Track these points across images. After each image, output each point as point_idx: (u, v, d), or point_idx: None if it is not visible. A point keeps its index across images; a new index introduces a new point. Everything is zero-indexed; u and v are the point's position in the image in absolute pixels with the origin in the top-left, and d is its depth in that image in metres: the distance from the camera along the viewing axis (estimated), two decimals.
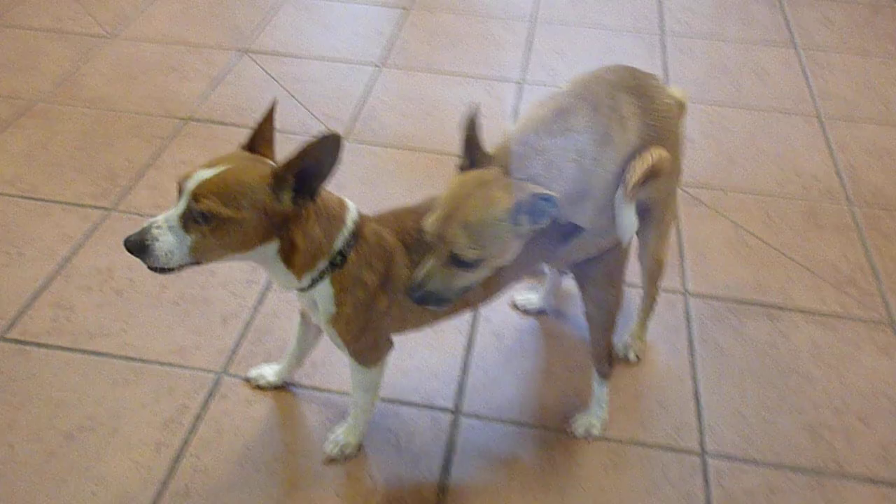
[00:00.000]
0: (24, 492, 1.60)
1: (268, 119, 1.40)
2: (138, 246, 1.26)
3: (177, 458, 1.68)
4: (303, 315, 1.73)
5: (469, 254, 1.34)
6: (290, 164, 1.29)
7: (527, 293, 2.09)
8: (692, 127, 2.79)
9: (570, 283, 2.13)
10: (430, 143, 2.64)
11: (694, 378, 1.93)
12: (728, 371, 1.95)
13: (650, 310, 1.98)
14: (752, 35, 3.38)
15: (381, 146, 2.63)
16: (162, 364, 1.87)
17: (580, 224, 1.54)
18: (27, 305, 2.00)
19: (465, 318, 2.04)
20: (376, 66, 3.03)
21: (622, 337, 1.98)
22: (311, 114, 2.75)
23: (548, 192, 1.33)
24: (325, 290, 1.42)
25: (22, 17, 3.22)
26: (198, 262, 1.31)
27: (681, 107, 1.75)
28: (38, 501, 1.59)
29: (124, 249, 2.15)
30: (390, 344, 1.58)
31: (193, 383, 1.83)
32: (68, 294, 2.04)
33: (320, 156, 1.29)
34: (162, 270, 1.29)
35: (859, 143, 2.76)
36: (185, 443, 1.71)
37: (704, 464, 1.74)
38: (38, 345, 1.90)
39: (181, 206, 1.27)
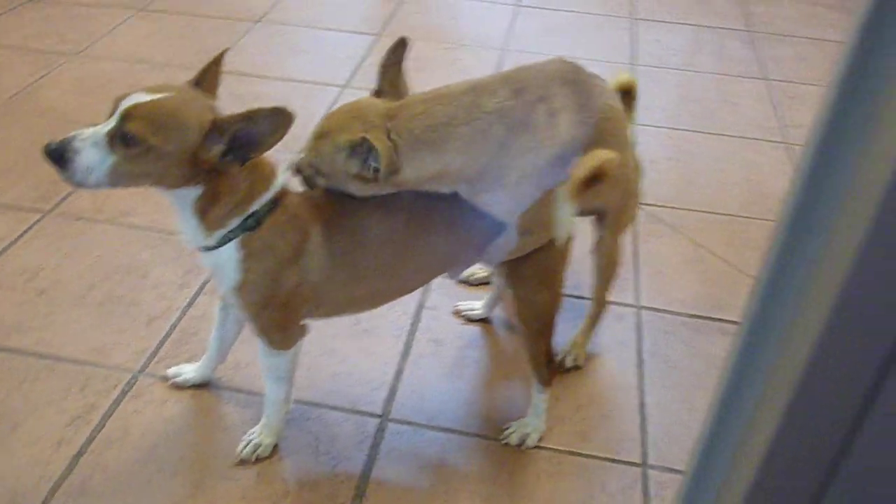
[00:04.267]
0: None
1: (217, 62, 1.37)
2: (58, 155, 1.20)
3: (77, 456, 1.57)
4: (222, 299, 1.64)
5: (312, 161, 1.38)
6: (233, 120, 1.24)
7: (471, 301, 2.00)
8: (656, 150, 2.73)
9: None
10: None
11: (640, 390, 1.83)
12: (677, 384, 1.85)
13: (596, 318, 1.88)
14: (725, 68, 3.35)
15: None
16: (76, 363, 1.77)
17: (496, 215, 1.46)
18: None
19: (403, 324, 1.95)
20: (340, 87, 2.99)
21: (562, 342, 1.87)
22: None
23: (376, 144, 1.30)
24: (231, 252, 1.34)
25: None
26: (115, 186, 1.25)
27: (629, 94, 1.70)
28: None
29: (46, 251, 2.08)
30: (302, 330, 1.49)
31: (107, 382, 1.73)
32: None
33: (266, 126, 1.23)
34: (79, 186, 1.24)
35: None
36: (89, 441, 1.60)
37: (645, 476, 1.63)
38: None
39: (111, 124, 1.21)
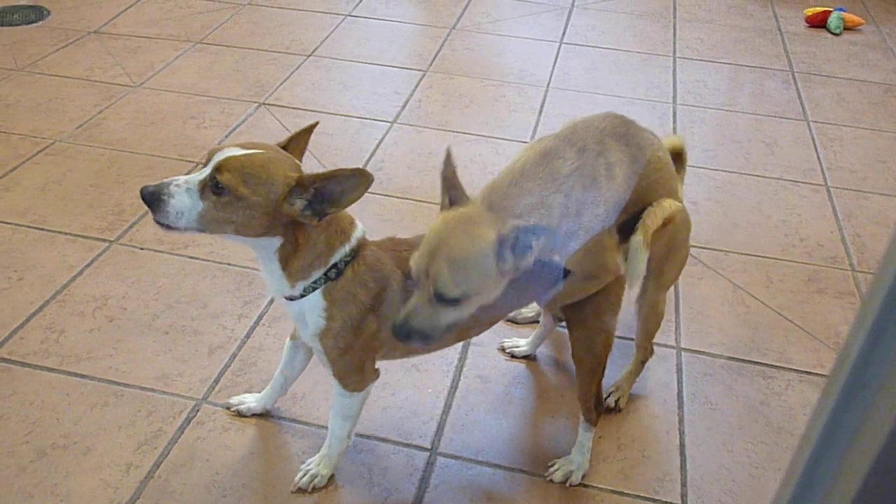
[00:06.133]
0: None
1: (307, 131, 1.48)
2: (153, 197, 1.30)
3: (145, 480, 1.66)
4: (292, 338, 1.73)
5: (452, 291, 1.31)
6: (316, 178, 1.34)
7: (515, 338, 2.07)
8: (697, 191, 2.79)
9: (560, 331, 2.11)
10: (433, 196, 2.67)
11: (681, 431, 1.88)
12: (716, 426, 1.90)
13: (641, 366, 1.94)
14: (765, 109, 3.40)
15: (385, 195, 2.66)
16: (143, 389, 1.87)
17: (567, 266, 1.53)
18: (19, 327, 2.02)
19: (451, 360, 2.02)
20: (388, 122, 3.10)
21: (607, 384, 1.94)
22: (321, 163, 2.81)
23: (531, 223, 1.33)
24: (316, 301, 1.44)
25: (54, 65, 3.35)
26: (202, 231, 1.35)
27: (679, 156, 1.75)
28: None
29: (113, 280, 2.19)
30: (376, 373, 1.58)
31: (172, 409, 1.83)
32: (61, 318, 2.06)
33: (346, 186, 1.33)
34: (168, 228, 1.33)
35: (866, 213, 2.74)
36: (156, 465, 1.70)
37: None
38: (24, 364, 1.92)
39: (204, 173, 1.32)
